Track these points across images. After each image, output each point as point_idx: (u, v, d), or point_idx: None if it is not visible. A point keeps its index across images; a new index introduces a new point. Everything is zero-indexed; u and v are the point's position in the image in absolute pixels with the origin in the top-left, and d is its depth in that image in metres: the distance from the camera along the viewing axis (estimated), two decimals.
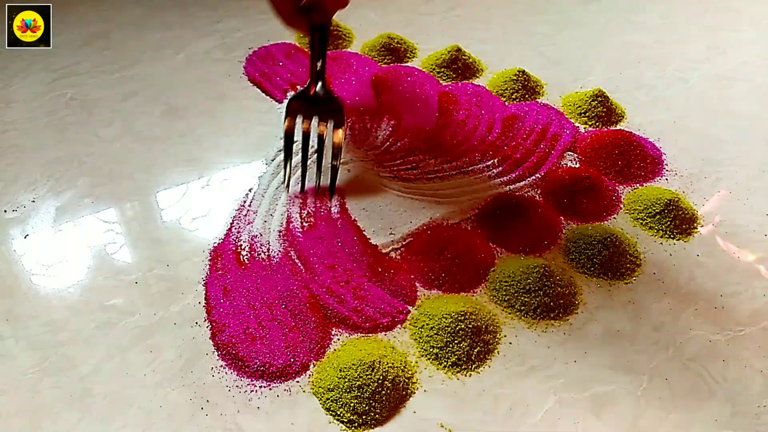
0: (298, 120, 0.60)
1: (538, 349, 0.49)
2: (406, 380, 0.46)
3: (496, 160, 0.65)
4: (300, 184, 0.61)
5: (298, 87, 0.75)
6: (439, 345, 0.48)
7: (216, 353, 0.48)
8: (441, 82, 0.77)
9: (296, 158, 0.61)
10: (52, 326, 0.50)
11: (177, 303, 0.52)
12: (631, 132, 0.68)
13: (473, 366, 0.48)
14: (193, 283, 0.53)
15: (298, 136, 0.61)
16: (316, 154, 0.61)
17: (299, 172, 0.62)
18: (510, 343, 0.49)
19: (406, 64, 0.81)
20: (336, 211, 0.59)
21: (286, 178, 0.61)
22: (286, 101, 0.67)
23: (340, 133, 0.59)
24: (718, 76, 0.80)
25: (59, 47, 0.82)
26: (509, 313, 0.51)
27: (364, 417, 0.44)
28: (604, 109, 0.71)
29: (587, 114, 0.71)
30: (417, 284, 0.54)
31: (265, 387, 0.46)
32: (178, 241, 0.57)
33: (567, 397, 0.46)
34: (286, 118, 0.59)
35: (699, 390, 0.47)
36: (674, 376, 0.47)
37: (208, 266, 0.55)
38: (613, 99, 0.73)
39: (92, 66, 0.79)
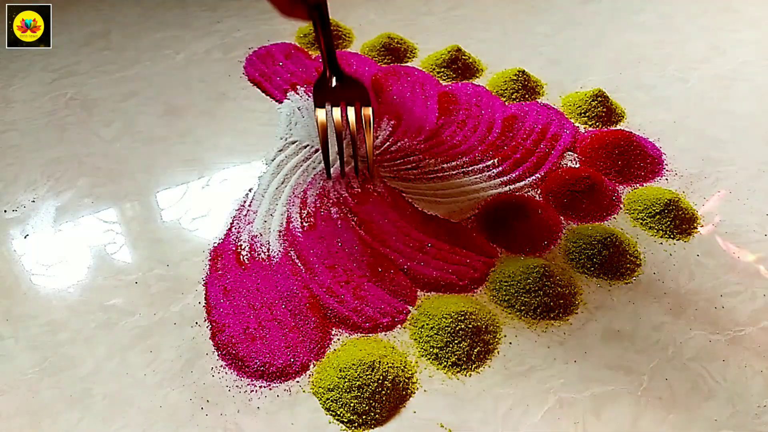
0: (328, 108, 0.60)
1: (538, 349, 0.49)
2: (406, 380, 0.46)
3: (496, 160, 0.65)
4: (340, 170, 0.63)
5: (298, 87, 0.75)
6: (439, 345, 0.48)
7: (216, 353, 0.48)
8: (441, 82, 0.77)
9: (333, 149, 0.63)
10: (52, 326, 0.50)
11: (177, 303, 0.52)
12: (631, 132, 0.68)
13: (473, 366, 0.48)
14: (193, 283, 0.53)
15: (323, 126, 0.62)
16: (349, 138, 0.62)
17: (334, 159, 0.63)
18: (510, 343, 0.49)
19: (406, 64, 0.81)
20: (336, 211, 0.59)
21: (328, 168, 0.62)
22: (310, 95, 0.67)
23: (369, 111, 0.60)
24: (718, 76, 0.80)
25: (59, 47, 0.82)
26: (509, 313, 0.51)
27: (364, 417, 0.44)
28: (604, 109, 0.71)
29: (587, 114, 0.71)
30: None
31: (265, 387, 0.46)
32: (178, 241, 0.57)
33: (567, 397, 0.46)
34: (315, 108, 0.60)
35: (699, 390, 0.47)
36: (674, 376, 0.47)
37: (208, 266, 0.55)
38: (613, 99, 0.73)
39: (92, 66, 0.79)
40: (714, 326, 0.51)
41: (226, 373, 0.47)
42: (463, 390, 0.46)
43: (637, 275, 0.55)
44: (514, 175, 0.64)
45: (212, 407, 0.45)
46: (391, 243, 0.56)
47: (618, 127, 0.71)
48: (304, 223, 0.58)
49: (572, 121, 0.71)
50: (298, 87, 0.75)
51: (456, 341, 0.48)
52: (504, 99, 0.74)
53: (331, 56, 0.58)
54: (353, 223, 0.58)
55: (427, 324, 0.49)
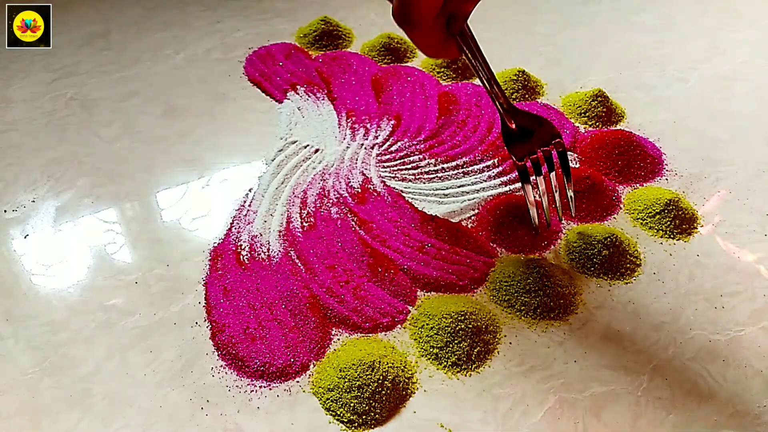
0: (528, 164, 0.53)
1: (538, 349, 0.49)
2: (406, 380, 0.46)
3: (496, 160, 0.65)
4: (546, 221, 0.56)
5: (298, 87, 0.75)
6: (439, 345, 0.48)
7: (216, 353, 0.48)
8: (441, 82, 0.77)
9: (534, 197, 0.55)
10: (52, 326, 0.50)
11: (177, 303, 0.52)
12: (631, 132, 0.68)
13: (473, 366, 0.48)
14: (193, 283, 0.53)
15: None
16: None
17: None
18: (510, 343, 0.49)
19: (406, 64, 0.81)
20: (336, 211, 0.59)
21: (538, 222, 0.55)
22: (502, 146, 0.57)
23: (566, 154, 0.53)
24: (718, 76, 0.80)
25: (59, 47, 0.82)
26: (509, 313, 0.51)
27: (364, 417, 0.44)
28: (604, 109, 0.71)
29: (587, 114, 0.71)
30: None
31: (265, 387, 0.46)
32: (178, 241, 0.57)
33: (567, 397, 0.46)
34: (515, 162, 0.53)
35: (699, 390, 0.47)
36: (674, 376, 0.47)
37: (208, 266, 0.55)
38: (613, 99, 0.73)
39: (92, 66, 0.79)
40: (714, 326, 0.51)
41: (226, 373, 0.47)
42: (463, 390, 0.46)
43: (637, 275, 0.55)
44: (514, 175, 0.64)
45: (212, 407, 0.45)
46: (391, 243, 0.56)
47: (618, 127, 0.71)
48: (304, 223, 0.58)
49: (572, 121, 0.71)
50: (298, 87, 0.75)
51: (456, 341, 0.48)
52: None
53: (505, 99, 0.50)
54: (353, 223, 0.58)
55: (427, 324, 0.49)
